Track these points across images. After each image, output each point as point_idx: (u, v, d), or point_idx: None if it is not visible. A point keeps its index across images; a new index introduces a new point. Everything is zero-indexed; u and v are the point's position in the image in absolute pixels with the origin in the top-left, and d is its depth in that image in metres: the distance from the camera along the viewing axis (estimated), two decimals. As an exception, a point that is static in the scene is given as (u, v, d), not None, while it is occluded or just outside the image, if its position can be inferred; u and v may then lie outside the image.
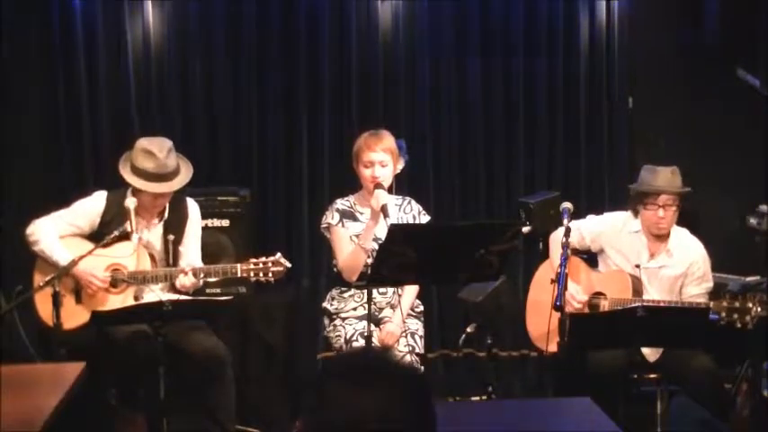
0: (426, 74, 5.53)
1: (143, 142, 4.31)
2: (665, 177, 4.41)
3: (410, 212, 4.55)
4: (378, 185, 4.29)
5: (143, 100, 5.35)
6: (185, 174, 4.35)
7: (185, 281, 4.22)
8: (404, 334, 4.39)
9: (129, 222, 4.16)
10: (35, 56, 5.27)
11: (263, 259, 4.20)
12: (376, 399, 1.66)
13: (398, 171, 4.45)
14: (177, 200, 4.45)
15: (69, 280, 4.21)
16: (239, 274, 4.21)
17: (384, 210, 4.18)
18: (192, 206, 4.52)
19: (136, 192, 4.27)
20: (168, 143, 4.32)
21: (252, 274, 4.20)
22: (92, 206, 4.37)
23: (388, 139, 4.40)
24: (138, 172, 4.25)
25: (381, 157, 4.34)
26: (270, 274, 4.20)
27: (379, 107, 5.50)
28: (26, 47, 5.24)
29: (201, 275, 4.27)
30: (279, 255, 4.23)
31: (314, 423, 1.69)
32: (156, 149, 4.25)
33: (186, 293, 4.31)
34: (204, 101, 5.41)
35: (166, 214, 4.40)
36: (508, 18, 5.56)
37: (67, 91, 5.28)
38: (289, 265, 4.23)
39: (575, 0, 5.61)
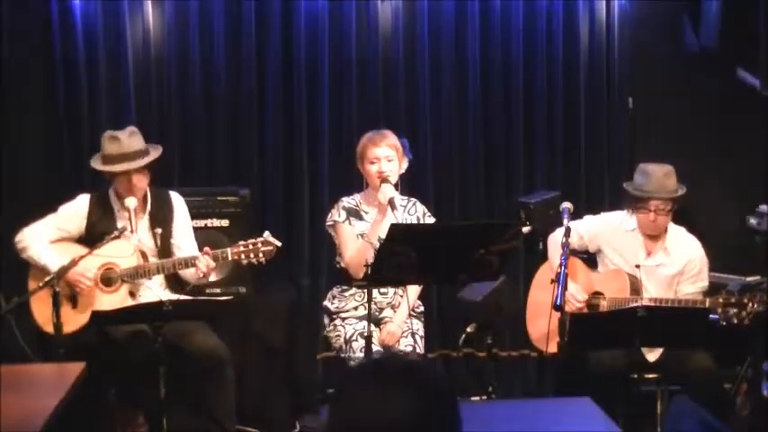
0: (426, 74, 5.53)
1: (108, 132, 4.39)
2: (657, 182, 4.38)
3: (414, 214, 4.55)
4: (384, 180, 4.31)
5: (143, 100, 5.35)
6: (153, 154, 4.38)
7: (197, 269, 4.23)
8: (405, 334, 4.39)
9: (128, 222, 4.18)
10: (35, 56, 5.27)
11: (252, 240, 4.19)
12: (403, 402, 1.66)
13: (403, 170, 4.46)
14: (159, 193, 4.48)
15: (65, 285, 4.20)
16: (230, 257, 4.21)
17: (392, 203, 4.19)
18: (177, 198, 4.53)
19: (116, 185, 4.33)
20: (133, 128, 4.41)
21: (242, 256, 4.18)
22: (76, 209, 4.40)
23: (392, 137, 4.42)
24: (104, 158, 4.32)
25: (387, 153, 4.36)
26: (260, 255, 4.18)
27: (379, 107, 5.50)
28: (26, 47, 5.23)
29: (194, 263, 4.25)
30: (267, 233, 4.21)
31: (340, 424, 1.69)
32: (119, 134, 4.33)
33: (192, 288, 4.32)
34: (204, 101, 5.41)
35: (149, 207, 4.41)
36: (508, 18, 5.56)
37: (67, 91, 5.28)
38: (278, 243, 4.20)
39: (575, 0, 5.61)
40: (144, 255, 4.33)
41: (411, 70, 5.53)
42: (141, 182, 4.34)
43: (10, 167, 5.15)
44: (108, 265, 4.28)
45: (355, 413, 1.67)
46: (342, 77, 5.47)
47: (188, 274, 4.35)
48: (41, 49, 5.26)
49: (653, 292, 4.40)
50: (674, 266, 4.45)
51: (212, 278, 4.47)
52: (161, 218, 4.43)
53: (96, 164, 4.36)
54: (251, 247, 4.17)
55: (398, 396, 1.67)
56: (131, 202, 4.23)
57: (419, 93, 5.53)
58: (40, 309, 4.15)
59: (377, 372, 1.74)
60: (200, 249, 4.46)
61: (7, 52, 5.13)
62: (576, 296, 4.39)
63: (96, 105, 5.30)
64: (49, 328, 3.94)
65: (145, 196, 4.41)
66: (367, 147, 4.38)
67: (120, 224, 4.28)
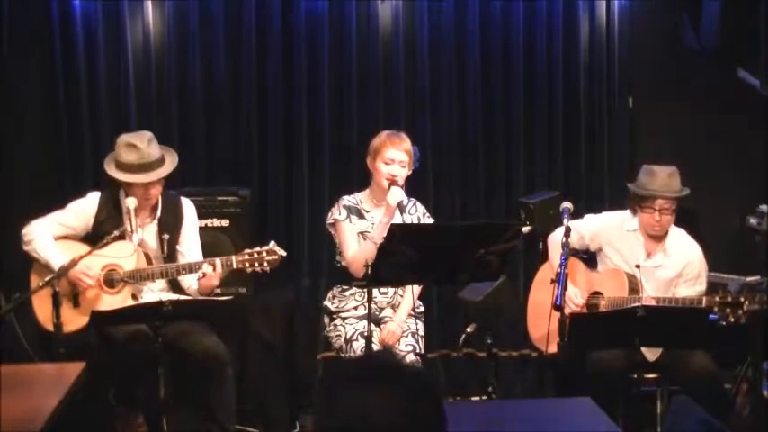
0: (426, 74, 5.53)
1: (124, 137, 4.33)
2: (662, 181, 4.39)
3: (415, 214, 4.56)
4: (393, 183, 4.32)
5: (143, 100, 5.35)
6: (170, 162, 4.36)
7: (205, 275, 4.21)
8: (405, 334, 4.39)
9: (128, 222, 4.17)
10: (35, 56, 5.27)
11: (258, 249, 4.18)
12: (388, 401, 1.67)
13: (406, 176, 4.47)
14: (171, 198, 4.45)
15: (66, 284, 4.19)
16: (234, 266, 4.20)
17: (401, 206, 4.24)
18: (188, 205, 4.51)
19: (127, 189, 4.28)
20: (148, 134, 4.35)
21: (247, 264, 4.18)
22: (85, 207, 4.37)
23: (408, 142, 4.46)
24: (122, 166, 4.27)
25: (402, 157, 4.38)
26: (265, 264, 4.17)
27: (379, 107, 5.50)
28: (26, 47, 5.23)
29: (199, 270, 4.24)
30: (272, 243, 4.20)
31: (324, 423, 1.70)
32: (137, 141, 4.28)
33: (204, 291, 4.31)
34: (204, 101, 5.41)
35: (159, 212, 4.40)
36: (508, 18, 5.56)
37: (67, 91, 5.28)
38: (283, 252, 4.20)
39: (575, 0, 5.61)
40: (148, 258, 4.33)
41: (411, 70, 5.53)
42: (157, 190, 4.33)
43: (10, 167, 5.14)
44: (111, 266, 4.27)
45: (340, 413, 1.67)
46: (342, 77, 5.47)
47: (192, 284, 4.33)
48: (41, 49, 5.26)
49: (650, 293, 4.39)
50: (672, 269, 4.44)
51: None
52: (170, 224, 4.42)
53: (112, 171, 4.28)
54: (256, 255, 4.16)
55: (382, 396, 1.67)
56: (131, 202, 4.22)
57: (419, 92, 5.54)
58: (42, 307, 4.15)
59: (361, 372, 1.74)
60: (202, 251, 4.48)
61: (7, 52, 5.13)
62: (574, 299, 4.39)
63: (96, 105, 5.30)
64: (50, 327, 3.93)
65: (156, 202, 4.41)
66: (385, 145, 4.39)
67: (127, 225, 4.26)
